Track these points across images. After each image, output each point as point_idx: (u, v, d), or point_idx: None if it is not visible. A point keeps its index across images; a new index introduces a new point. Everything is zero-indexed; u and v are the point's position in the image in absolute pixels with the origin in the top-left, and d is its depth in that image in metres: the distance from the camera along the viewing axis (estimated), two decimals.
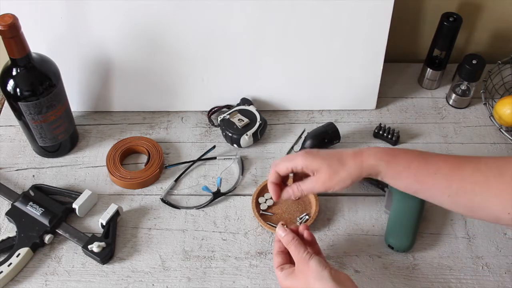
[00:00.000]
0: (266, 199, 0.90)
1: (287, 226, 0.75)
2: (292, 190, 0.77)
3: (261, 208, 0.89)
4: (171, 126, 1.03)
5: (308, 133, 0.97)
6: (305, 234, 0.76)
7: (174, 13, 0.91)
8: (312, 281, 0.68)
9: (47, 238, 0.83)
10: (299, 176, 0.78)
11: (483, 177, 0.68)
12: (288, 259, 0.74)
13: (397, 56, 1.12)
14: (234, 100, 1.02)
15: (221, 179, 0.92)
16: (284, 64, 0.98)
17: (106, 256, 0.82)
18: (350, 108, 1.05)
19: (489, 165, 0.69)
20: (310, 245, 0.75)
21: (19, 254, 0.81)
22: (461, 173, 0.70)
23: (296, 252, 0.72)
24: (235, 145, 0.98)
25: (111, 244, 0.83)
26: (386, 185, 0.88)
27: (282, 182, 0.79)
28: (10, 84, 0.84)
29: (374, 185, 0.91)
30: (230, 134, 0.96)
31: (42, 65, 0.86)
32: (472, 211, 0.71)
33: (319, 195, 0.89)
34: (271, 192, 0.78)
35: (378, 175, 0.74)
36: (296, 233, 0.75)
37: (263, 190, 0.91)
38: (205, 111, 1.04)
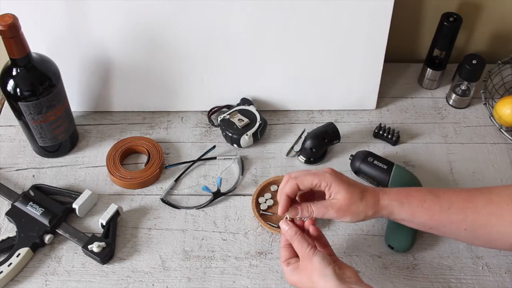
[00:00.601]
0: (266, 199, 0.90)
1: (293, 220, 0.74)
2: (301, 210, 0.73)
3: (261, 208, 0.89)
4: (171, 126, 1.03)
5: (308, 133, 0.97)
6: (311, 229, 0.75)
7: (174, 13, 0.91)
8: (316, 278, 0.67)
9: (47, 238, 0.83)
10: (307, 194, 0.77)
11: (497, 208, 0.69)
12: (295, 253, 0.73)
13: (397, 56, 1.12)
14: (234, 100, 1.02)
15: (221, 179, 0.92)
16: (284, 64, 0.98)
17: (106, 256, 0.82)
18: (350, 108, 1.05)
19: (501, 195, 0.70)
20: (316, 239, 0.74)
21: (19, 254, 0.81)
22: (474, 205, 0.70)
23: (299, 247, 0.71)
24: (235, 145, 0.98)
25: (111, 244, 0.83)
26: (387, 185, 0.88)
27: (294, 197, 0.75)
28: (10, 84, 0.84)
29: (374, 184, 0.91)
30: (230, 134, 0.96)
31: (42, 65, 0.86)
32: (491, 242, 0.72)
33: None
34: (282, 204, 0.73)
35: (391, 215, 0.73)
36: (302, 227, 0.74)
37: (263, 190, 0.91)
38: (205, 111, 1.04)
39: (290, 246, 0.73)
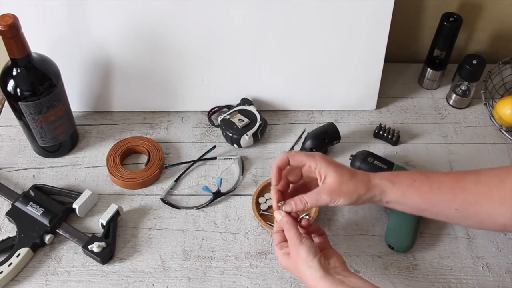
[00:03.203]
0: (266, 199, 0.90)
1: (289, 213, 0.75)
2: (295, 202, 0.74)
3: (261, 208, 0.89)
4: (171, 126, 1.03)
5: (308, 133, 0.97)
6: (303, 221, 0.76)
7: (174, 13, 0.91)
8: (302, 268, 0.69)
9: (47, 238, 0.83)
10: (300, 189, 0.78)
11: (485, 188, 0.69)
12: (284, 238, 0.74)
13: (397, 56, 1.11)
14: (234, 100, 1.02)
15: (221, 179, 0.92)
16: (284, 64, 0.98)
17: (106, 256, 0.82)
18: (350, 108, 1.05)
19: (489, 175, 0.70)
20: (312, 230, 0.76)
21: (19, 254, 0.81)
22: (463, 185, 0.71)
23: (289, 235, 0.72)
24: (235, 145, 0.98)
25: (111, 244, 0.83)
26: None
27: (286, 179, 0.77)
28: (11, 84, 0.84)
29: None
30: (230, 134, 0.96)
31: (42, 65, 0.86)
32: (480, 222, 0.72)
33: None
34: (274, 175, 0.75)
35: (383, 196, 0.73)
36: (296, 219, 0.75)
37: (263, 190, 0.91)
38: (205, 111, 1.04)
39: (283, 231, 0.74)
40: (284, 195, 0.76)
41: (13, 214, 0.86)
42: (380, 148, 0.98)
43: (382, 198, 0.74)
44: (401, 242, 0.83)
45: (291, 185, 0.78)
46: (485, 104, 1.02)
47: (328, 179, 0.73)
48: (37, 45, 0.85)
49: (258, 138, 0.98)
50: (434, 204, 0.73)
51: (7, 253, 0.82)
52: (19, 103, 0.85)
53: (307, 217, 0.86)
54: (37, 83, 0.85)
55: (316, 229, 0.77)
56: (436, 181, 0.72)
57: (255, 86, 1.01)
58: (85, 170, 0.95)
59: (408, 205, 0.74)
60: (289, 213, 0.75)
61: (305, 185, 0.79)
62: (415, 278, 0.81)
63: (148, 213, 0.89)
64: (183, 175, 0.95)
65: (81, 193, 0.88)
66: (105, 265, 0.83)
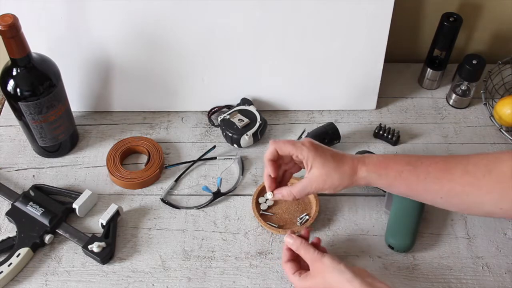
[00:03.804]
0: (266, 199, 0.90)
1: (294, 233, 0.77)
2: (282, 194, 0.77)
3: (261, 208, 0.89)
4: (171, 126, 1.03)
5: (308, 133, 0.97)
6: (314, 239, 0.78)
7: (174, 13, 0.91)
8: (329, 275, 0.70)
9: (47, 238, 0.83)
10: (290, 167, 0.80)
11: (473, 178, 0.69)
12: (298, 267, 0.76)
13: (397, 56, 1.12)
14: (234, 100, 1.02)
15: (221, 179, 0.92)
16: (284, 64, 0.98)
17: (106, 256, 0.82)
18: (350, 108, 1.05)
19: (478, 165, 0.70)
20: (318, 247, 0.77)
21: (19, 254, 0.81)
22: (451, 176, 0.71)
23: (308, 254, 0.73)
24: (235, 145, 0.98)
25: (111, 244, 0.83)
26: None
27: (278, 164, 0.79)
28: (10, 84, 0.84)
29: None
30: (230, 134, 0.96)
31: (42, 65, 0.86)
32: (466, 209, 0.74)
33: (319, 195, 0.89)
34: (267, 168, 0.77)
35: (370, 185, 0.75)
36: (306, 238, 0.78)
37: (263, 190, 0.91)
38: (205, 111, 1.04)
39: (294, 261, 0.76)
40: (276, 182, 0.79)
41: (13, 214, 0.86)
42: (380, 148, 0.98)
43: (368, 185, 0.76)
44: (401, 242, 0.83)
45: (284, 170, 0.81)
46: (485, 104, 1.02)
47: (314, 171, 0.74)
48: (37, 45, 0.85)
49: (258, 138, 0.98)
50: (420, 193, 0.74)
51: (7, 253, 0.82)
52: (19, 103, 0.85)
53: (307, 217, 0.86)
54: (37, 83, 0.85)
55: (319, 246, 0.78)
56: (423, 172, 0.72)
57: (255, 86, 1.01)
58: (85, 170, 0.95)
59: (394, 192, 0.76)
60: (293, 232, 0.77)
61: (298, 167, 0.81)
62: (415, 278, 0.81)
63: (148, 213, 0.89)
64: (183, 175, 0.95)
65: (81, 193, 0.88)
66: (105, 265, 0.83)
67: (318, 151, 0.75)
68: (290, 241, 0.76)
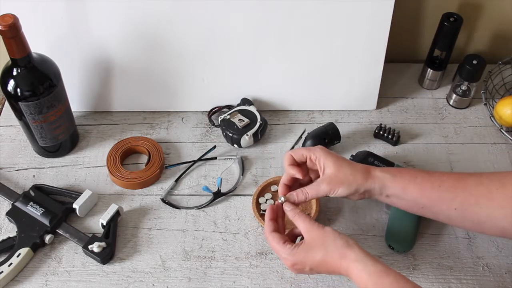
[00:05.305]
0: (267, 199, 0.90)
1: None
2: (296, 194, 0.76)
3: (261, 208, 0.89)
4: (172, 126, 1.03)
5: (308, 133, 0.97)
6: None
7: (174, 13, 0.91)
8: (331, 243, 0.69)
9: (47, 238, 0.83)
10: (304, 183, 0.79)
11: (486, 190, 0.70)
12: (278, 229, 0.75)
13: (398, 56, 1.12)
14: (234, 100, 1.02)
15: (221, 179, 0.92)
16: (284, 64, 0.98)
17: (106, 256, 0.82)
18: (351, 108, 1.05)
19: (491, 178, 0.70)
20: None
21: (19, 254, 0.81)
22: (464, 185, 0.71)
23: (305, 223, 0.72)
24: (235, 145, 0.98)
25: (111, 244, 0.83)
26: None
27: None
28: (11, 84, 0.84)
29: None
30: (230, 134, 0.96)
31: (43, 65, 0.86)
32: (479, 224, 0.72)
33: None
34: (291, 172, 0.77)
35: (383, 189, 0.74)
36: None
37: (263, 190, 0.91)
38: (206, 111, 1.04)
39: (275, 220, 0.76)
40: (289, 190, 0.79)
41: (13, 214, 0.86)
42: (380, 148, 0.98)
43: (382, 192, 0.74)
44: (401, 242, 0.83)
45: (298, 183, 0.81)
46: (485, 104, 1.02)
47: (327, 170, 0.75)
48: (37, 45, 0.85)
49: (258, 138, 0.98)
50: (434, 201, 0.73)
51: (7, 253, 0.82)
52: (19, 103, 0.85)
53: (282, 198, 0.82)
54: (37, 83, 0.85)
55: None
56: (437, 180, 0.73)
57: (255, 86, 1.01)
58: (85, 170, 0.95)
59: (408, 201, 0.74)
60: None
61: (310, 181, 0.81)
62: (415, 278, 0.81)
63: (148, 213, 0.89)
64: (183, 175, 0.95)
65: (81, 193, 0.88)
66: (105, 265, 0.83)
67: (330, 152, 0.76)
68: (288, 208, 0.75)
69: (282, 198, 0.77)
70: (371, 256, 0.68)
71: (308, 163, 0.78)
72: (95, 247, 0.81)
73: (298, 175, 0.77)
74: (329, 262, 0.69)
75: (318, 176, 0.77)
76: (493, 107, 1.01)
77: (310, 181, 0.80)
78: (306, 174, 0.80)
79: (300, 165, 0.79)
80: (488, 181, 0.70)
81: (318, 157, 0.76)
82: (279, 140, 1.00)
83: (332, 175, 0.74)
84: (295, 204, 0.76)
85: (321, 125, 0.97)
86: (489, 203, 0.69)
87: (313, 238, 0.71)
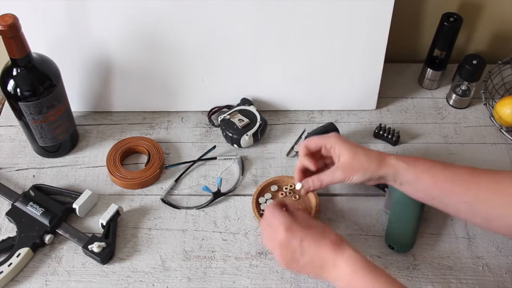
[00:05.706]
0: (267, 199, 0.90)
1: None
2: (312, 180, 0.79)
3: (261, 208, 0.89)
4: (171, 126, 1.03)
5: (308, 133, 0.97)
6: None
7: (174, 13, 0.91)
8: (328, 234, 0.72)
9: (47, 238, 0.83)
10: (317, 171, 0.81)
11: (500, 186, 0.70)
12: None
13: (398, 56, 1.12)
14: (234, 100, 1.02)
15: (221, 179, 0.92)
16: (284, 64, 0.98)
17: (106, 256, 0.82)
18: (351, 108, 1.05)
19: (506, 176, 0.70)
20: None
21: (19, 254, 0.81)
22: (478, 180, 0.71)
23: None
24: (235, 145, 0.98)
25: (111, 244, 0.83)
26: (386, 185, 0.88)
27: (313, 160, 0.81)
28: (11, 84, 0.84)
29: (374, 184, 0.91)
30: (230, 134, 0.96)
31: (43, 65, 0.86)
32: (489, 221, 0.72)
33: (320, 195, 0.89)
34: (306, 162, 0.80)
35: (397, 176, 0.75)
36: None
37: (263, 190, 0.91)
38: (205, 111, 1.04)
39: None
40: (305, 176, 0.81)
41: (13, 214, 0.86)
42: (380, 148, 0.98)
43: (395, 179, 0.75)
44: (401, 242, 0.83)
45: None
46: (485, 104, 1.02)
47: (342, 157, 0.76)
48: (37, 45, 0.85)
49: (258, 138, 0.98)
50: (445, 193, 0.73)
51: (7, 253, 0.82)
52: (19, 103, 0.85)
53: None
54: (37, 83, 0.85)
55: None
56: (451, 172, 0.73)
57: (255, 86, 1.01)
58: (85, 170, 0.95)
59: (420, 190, 0.75)
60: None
61: (326, 167, 0.83)
62: (415, 278, 0.81)
63: (148, 213, 0.89)
64: (183, 175, 0.95)
65: (81, 193, 0.88)
66: (105, 265, 0.83)
67: (345, 140, 0.78)
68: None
69: (299, 185, 0.80)
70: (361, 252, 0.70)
71: (322, 150, 0.80)
72: (95, 247, 0.81)
73: (311, 167, 0.79)
74: (329, 235, 0.71)
75: (333, 162, 0.79)
76: (493, 107, 1.01)
77: (325, 167, 0.82)
78: (321, 163, 0.82)
79: (315, 153, 0.81)
80: (502, 178, 0.70)
81: (333, 145, 0.77)
82: (279, 140, 1.00)
83: (347, 162, 0.75)
84: (310, 191, 0.80)
85: (321, 125, 0.97)
86: (501, 199, 0.69)
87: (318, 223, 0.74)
